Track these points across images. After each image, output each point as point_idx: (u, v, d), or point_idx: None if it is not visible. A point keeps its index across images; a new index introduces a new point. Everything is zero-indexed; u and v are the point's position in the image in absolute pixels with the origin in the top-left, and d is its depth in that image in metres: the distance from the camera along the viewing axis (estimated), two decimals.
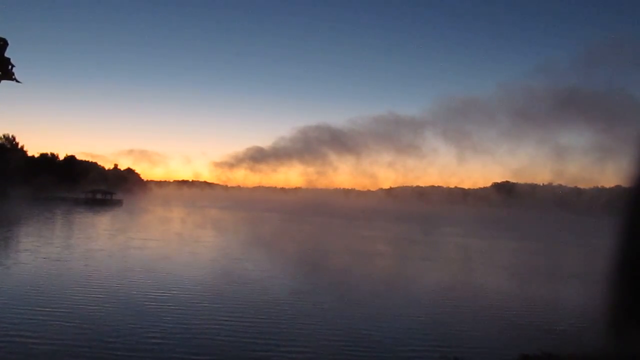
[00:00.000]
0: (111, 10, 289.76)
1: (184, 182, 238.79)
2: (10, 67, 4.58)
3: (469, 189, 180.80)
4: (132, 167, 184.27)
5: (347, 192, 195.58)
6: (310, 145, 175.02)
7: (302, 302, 20.60)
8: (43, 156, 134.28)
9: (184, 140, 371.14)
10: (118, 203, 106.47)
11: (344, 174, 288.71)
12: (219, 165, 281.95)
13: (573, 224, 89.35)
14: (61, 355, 13.04)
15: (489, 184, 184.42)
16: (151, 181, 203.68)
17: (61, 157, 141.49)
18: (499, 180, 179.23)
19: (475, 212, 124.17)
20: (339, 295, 22.25)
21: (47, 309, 17.35)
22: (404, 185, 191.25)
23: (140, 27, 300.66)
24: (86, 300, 19.11)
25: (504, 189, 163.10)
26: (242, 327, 16.38)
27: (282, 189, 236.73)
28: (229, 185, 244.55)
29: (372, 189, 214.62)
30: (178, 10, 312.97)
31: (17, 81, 4.64)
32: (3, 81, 4.61)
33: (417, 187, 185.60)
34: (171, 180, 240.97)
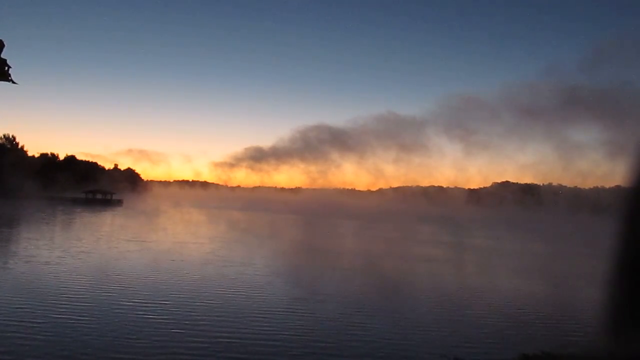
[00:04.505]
0: (110, 9, 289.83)
1: (184, 182, 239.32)
2: (6, 68, 4.54)
3: (471, 188, 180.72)
4: (132, 167, 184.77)
5: (349, 192, 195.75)
6: (311, 145, 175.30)
7: (311, 304, 20.59)
8: (43, 156, 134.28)
9: (184, 140, 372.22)
10: (118, 203, 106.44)
11: (345, 173, 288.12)
12: (219, 165, 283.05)
13: (584, 224, 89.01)
14: None
15: (489, 184, 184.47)
16: (152, 181, 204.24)
17: (61, 157, 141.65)
18: (501, 180, 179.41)
19: (482, 212, 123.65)
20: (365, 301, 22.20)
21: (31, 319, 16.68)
22: (407, 184, 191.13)
23: (139, 26, 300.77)
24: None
25: (508, 189, 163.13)
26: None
27: (283, 188, 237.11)
28: (229, 185, 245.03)
29: (372, 189, 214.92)
30: (177, 10, 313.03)
31: (13, 82, 4.60)
32: (0, 82, 4.59)
33: (418, 186, 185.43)
34: (171, 180, 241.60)
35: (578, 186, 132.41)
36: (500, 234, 66.68)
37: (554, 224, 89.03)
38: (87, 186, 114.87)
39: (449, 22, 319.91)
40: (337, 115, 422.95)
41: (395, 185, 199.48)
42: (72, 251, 31.59)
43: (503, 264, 36.72)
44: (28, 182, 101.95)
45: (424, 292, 24.16)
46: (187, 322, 16.58)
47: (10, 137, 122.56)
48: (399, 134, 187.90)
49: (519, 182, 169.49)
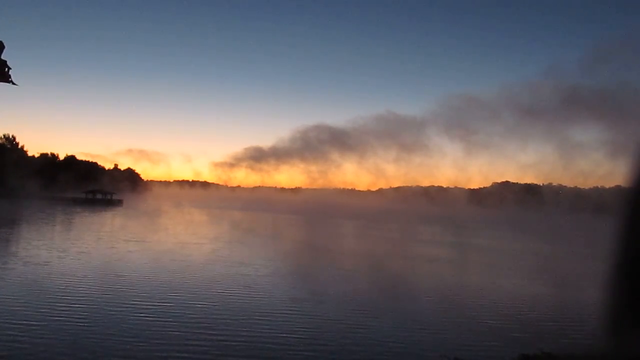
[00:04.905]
0: (110, 10, 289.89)
1: (184, 182, 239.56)
2: (7, 69, 4.53)
3: (471, 188, 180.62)
4: (132, 167, 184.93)
5: (349, 192, 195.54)
6: (311, 145, 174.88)
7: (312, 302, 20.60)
8: (43, 156, 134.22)
9: (184, 140, 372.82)
10: (118, 203, 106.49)
11: (345, 173, 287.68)
12: (219, 165, 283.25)
13: (585, 224, 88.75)
14: None
15: (489, 184, 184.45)
16: (152, 181, 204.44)
17: (61, 157, 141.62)
18: (501, 180, 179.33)
19: (482, 212, 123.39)
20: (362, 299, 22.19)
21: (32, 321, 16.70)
22: (407, 184, 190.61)
23: (140, 27, 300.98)
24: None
25: (508, 189, 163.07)
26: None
27: (283, 188, 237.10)
28: (229, 185, 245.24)
29: (372, 189, 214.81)
30: (177, 10, 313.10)
31: (13, 83, 4.60)
32: (0, 83, 4.58)
33: (419, 186, 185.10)
34: (171, 180, 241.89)
35: (578, 186, 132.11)
36: (501, 234, 66.66)
37: (554, 223, 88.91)
38: (87, 186, 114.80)
39: (448, 22, 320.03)
40: (337, 115, 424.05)
41: (395, 185, 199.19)
42: (72, 251, 31.56)
43: (503, 264, 36.70)
44: (28, 182, 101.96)
45: (424, 293, 24.16)
46: (188, 323, 16.56)
47: (10, 137, 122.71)
48: (399, 134, 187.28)
49: (519, 182, 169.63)
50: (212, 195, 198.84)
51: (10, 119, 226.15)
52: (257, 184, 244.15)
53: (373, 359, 14.15)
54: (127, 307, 18.07)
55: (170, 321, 16.58)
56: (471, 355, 14.34)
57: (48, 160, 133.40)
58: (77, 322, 15.84)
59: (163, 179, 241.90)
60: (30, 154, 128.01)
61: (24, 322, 15.64)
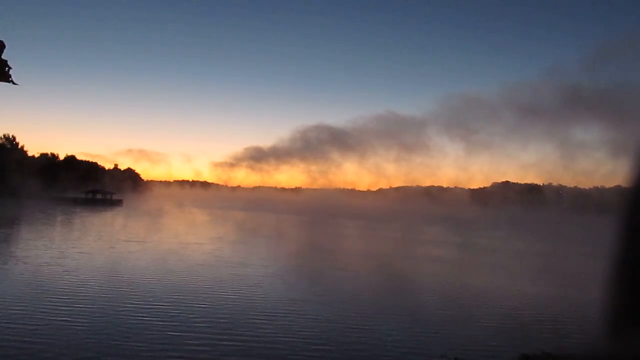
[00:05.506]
0: (110, 10, 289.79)
1: (185, 182, 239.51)
2: (7, 69, 4.53)
3: (472, 188, 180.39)
4: (132, 167, 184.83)
5: (349, 192, 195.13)
6: (311, 145, 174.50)
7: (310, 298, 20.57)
8: (43, 156, 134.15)
9: (184, 140, 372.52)
10: (118, 203, 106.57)
11: (346, 172, 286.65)
12: (219, 165, 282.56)
13: (586, 224, 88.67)
14: None
15: (490, 184, 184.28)
16: (152, 181, 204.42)
17: (61, 157, 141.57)
18: (501, 180, 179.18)
19: (483, 212, 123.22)
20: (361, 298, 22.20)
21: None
22: (408, 184, 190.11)
23: (140, 26, 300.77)
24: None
25: (508, 189, 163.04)
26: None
27: (283, 188, 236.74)
28: (229, 185, 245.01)
29: (372, 189, 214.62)
30: (177, 10, 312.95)
31: (13, 83, 4.59)
32: (1, 83, 4.57)
33: (419, 186, 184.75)
34: (172, 180, 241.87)
35: (579, 186, 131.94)
36: (502, 234, 66.65)
37: (555, 223, 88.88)
38: (87, 186, 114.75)
39: (449, 22, 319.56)
40: (337, 115, 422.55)
41: (396, 185, 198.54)
42: (72, 252, 31.58)
43: (504, 264, 36.66)
44: (29, 182, 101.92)
45: (425, 293, 24.15)
46: (189, 324, 16.58)
47: (10, 137, 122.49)
48: (399, 134, 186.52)
49: (520, 182, 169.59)
50: (213, 195, 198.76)
51: (10, 118, 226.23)
52: (257, 184, 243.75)
53: (374, 359, 14.16)
54: (127, 308, 18.07)
55: (172, 322, 16.57)
56: (471, 355, 14.34)
57: (48, 160, 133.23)
58: (77, 323, 15.83)
59: (163, 179, 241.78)
60: (30, 154, 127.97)
61: (24, 322, 15.63)
